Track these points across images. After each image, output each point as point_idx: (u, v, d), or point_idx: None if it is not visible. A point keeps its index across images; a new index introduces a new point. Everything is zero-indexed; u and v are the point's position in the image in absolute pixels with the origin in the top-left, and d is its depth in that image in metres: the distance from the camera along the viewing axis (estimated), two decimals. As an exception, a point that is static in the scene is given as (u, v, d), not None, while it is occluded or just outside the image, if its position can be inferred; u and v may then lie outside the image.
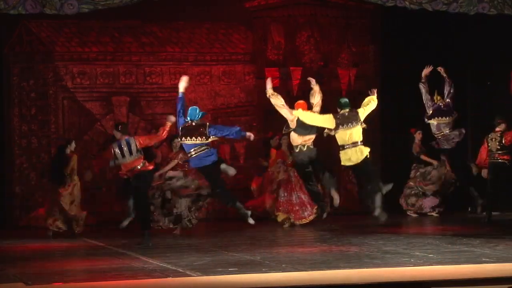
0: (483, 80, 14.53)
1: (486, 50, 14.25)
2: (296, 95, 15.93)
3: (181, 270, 9.59)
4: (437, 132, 13.21)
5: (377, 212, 11.31)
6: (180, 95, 11.55)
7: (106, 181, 15.04)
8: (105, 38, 15.29)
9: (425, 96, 13.11)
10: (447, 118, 13.14)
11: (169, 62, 15.59)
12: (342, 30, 16.31)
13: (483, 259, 9.97)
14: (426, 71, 12.98)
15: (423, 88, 13.05)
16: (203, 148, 11.30)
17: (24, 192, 14.89)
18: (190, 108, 11.58)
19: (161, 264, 10.07)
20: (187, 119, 11.45)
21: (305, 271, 9.45)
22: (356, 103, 16.07)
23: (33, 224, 14.71)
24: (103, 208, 14.71)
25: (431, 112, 13.10)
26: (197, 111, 11.56)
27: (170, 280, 9.08)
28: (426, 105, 13.15)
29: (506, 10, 12.37)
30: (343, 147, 11.53)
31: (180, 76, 15.53)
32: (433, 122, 13.17)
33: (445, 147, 13.25)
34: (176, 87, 15.48)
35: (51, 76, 15.04)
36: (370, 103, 11.54)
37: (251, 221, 11.18)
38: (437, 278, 8.78)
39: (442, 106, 13.08)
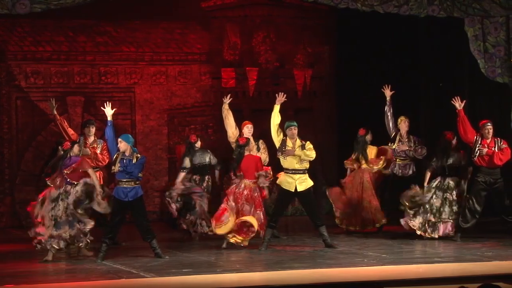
0: (435, 81, 14.67)
1: (440, 51, 14.38)
2: (252, 96, 15.96)
3: (134, 272, 9.56)
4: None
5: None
6: (109, 123, 10.52)
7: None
8: (59, 37, 15.12)
9: (389, 120, 12.75)
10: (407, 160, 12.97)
11: (125, 62, 15.47)
12: (298, 30, 16.33)
13: (435, 259, 10.09)
14: (388, 92, 12.73)
15: (388, 112, 12.76)
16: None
17: (-23, 193, 14.71)
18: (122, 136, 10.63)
19: (115, 266, 10.01)
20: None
21: (259, 271, 9.48)
22: (311, 104, 16.24)
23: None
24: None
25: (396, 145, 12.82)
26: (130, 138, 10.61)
27: (123, 281, 9.05)
28: (389, 129, 12.80)
29: (455, 13, 12.54)
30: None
31: (136, 76, 15.57)
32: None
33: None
34: (132, 87, 15.53)
35: (3, 76, 14.84)
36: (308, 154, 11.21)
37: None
38: (390, 278, 8.87)
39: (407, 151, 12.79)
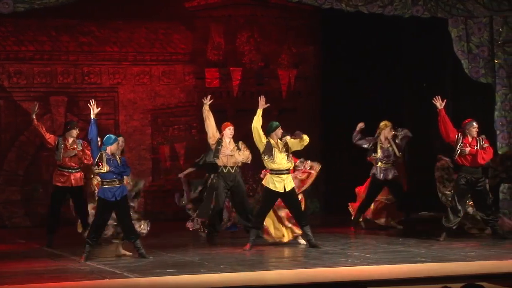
0: (419, 81, 14.73)
1: (424, 51, 14.44)
2: (236, 96, 15.95)
3: (118, 272, 9.53)
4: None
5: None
6: (92, 121, 10.41)
7: (43, 181, 14.84)
8: (42, 37, 15.07)
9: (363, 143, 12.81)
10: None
11: (108, 61, 15.42)
12: (283, 31, 16.33)
13: (419, 258, 10.12)
14: (359, 126, 12.67)
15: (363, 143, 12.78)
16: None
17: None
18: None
19: (98, 266, 9.99)
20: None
21: (244, 271, 9.47)
22: (296, 104, 16.24)
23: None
24: (39, 209, 14.51)
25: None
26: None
27: (107, 281, 9.03)
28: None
29: (439, 14, 12.60)
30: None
31: (119, 76, 15.54)
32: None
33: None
34: (115, 87, 15.50)
35: (-14, 76, 14.79)
36: (297, 142, 11.16)
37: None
38: (374, 278, 8.88)
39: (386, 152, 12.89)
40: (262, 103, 11.09)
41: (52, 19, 14.82)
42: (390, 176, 12.82)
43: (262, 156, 11.15)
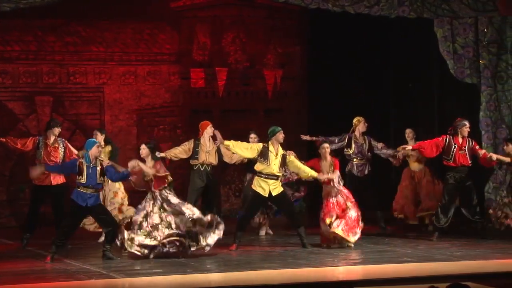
0: (406, 82, 14.77)
1: (409, 52, 14.48)
2: (222, 96, 15.95)
3: (104, 272, 9.52)
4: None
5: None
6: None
7: (28, 182, 14.75)
8: (28, 37, 15.02)
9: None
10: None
11: (94, 61, 15.40)
12: (269, 31, 16.35)
13: (405, 258, 10.15)
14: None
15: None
16: None
17: None
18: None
19: (84, 266, 9.96)
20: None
21: (230, 271, 9.48)
22: (282, 105, 16.26)
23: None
24: (25, 209, 14.43)
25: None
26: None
27: (93, 282, 9.01)
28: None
29: (425, 14, 12.65)
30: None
31: (105, 76, 15.51)
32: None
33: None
34: (101, 87, 15.47)
35: (-29, 75, 14.75)
36: (298, 167, 11.20)
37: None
38: (360, 278, 8.91)
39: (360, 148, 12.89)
40: (219, 138, 11.05)
41: (37, 19, 14.77)
42: (366, 172, 12.85)
43: (258, 158, 11.13)
